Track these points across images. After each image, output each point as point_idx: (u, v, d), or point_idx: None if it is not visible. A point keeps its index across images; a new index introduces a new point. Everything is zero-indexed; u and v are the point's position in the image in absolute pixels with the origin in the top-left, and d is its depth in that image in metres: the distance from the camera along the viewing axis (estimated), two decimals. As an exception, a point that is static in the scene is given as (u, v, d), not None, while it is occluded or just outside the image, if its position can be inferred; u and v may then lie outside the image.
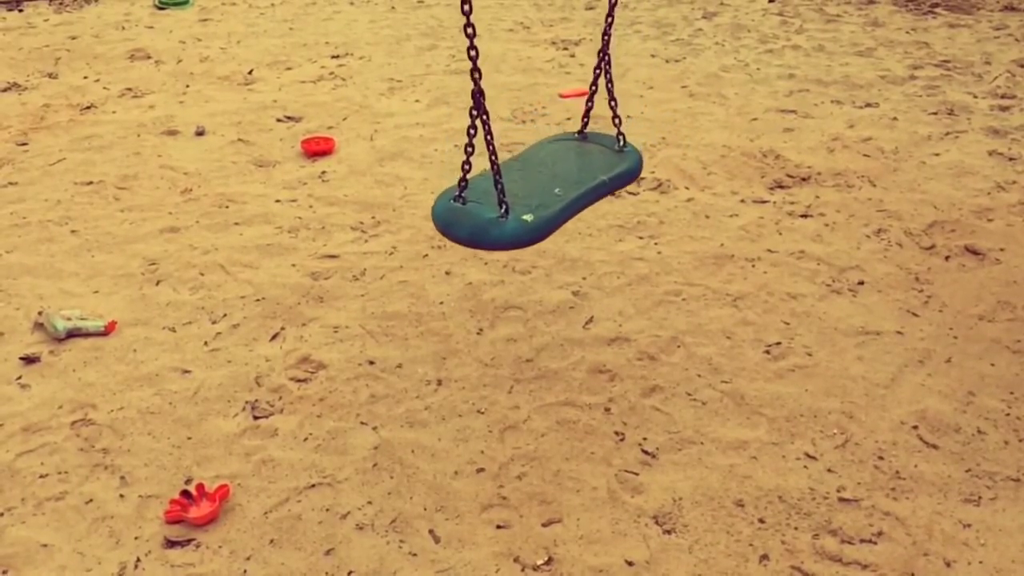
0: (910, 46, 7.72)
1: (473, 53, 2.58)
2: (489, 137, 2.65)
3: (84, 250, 4.54)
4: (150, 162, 5.54)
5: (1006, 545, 2.81)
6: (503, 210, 2.66)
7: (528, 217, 2.67)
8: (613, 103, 3.28)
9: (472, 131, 2.65)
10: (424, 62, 7.38)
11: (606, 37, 3.17)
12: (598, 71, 3.26)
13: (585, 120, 3.43)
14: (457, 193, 2.79)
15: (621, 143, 3.29)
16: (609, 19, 3.15)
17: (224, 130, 6.02)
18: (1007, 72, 7.03)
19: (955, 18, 8.66)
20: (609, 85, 3.29)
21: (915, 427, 3.30)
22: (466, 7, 2.50)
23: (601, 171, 3.08)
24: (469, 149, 2.71)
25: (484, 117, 2.59)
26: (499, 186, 2.64)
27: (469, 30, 2.54)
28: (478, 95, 2.61)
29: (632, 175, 3.21)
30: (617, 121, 3.27)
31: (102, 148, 5.74)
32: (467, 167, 2.74)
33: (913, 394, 3.47)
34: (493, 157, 2.63)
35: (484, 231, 2.64)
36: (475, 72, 2.60)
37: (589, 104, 3.34)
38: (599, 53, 3.23)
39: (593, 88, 3.31)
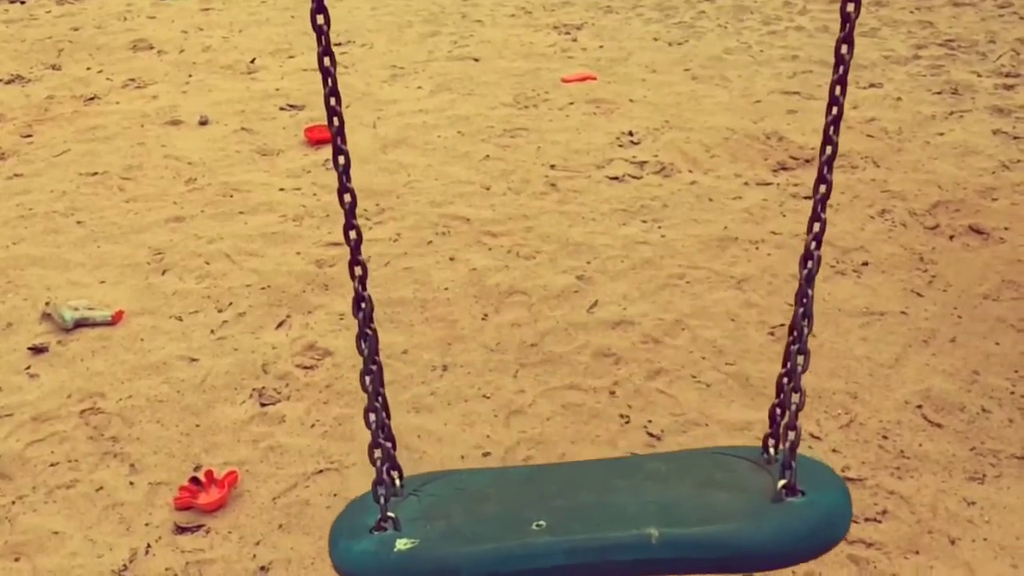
0: (914, 25, 7.68)
1: (353, 234, 1.78)
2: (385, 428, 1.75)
3: (90, 240, 4.56)
4: (154, 152, 5.55)
5: (1010, 522, 2.82)
6: (379, 517, 1.64)
7: (403, 543, 1.58)
8: (796, 396, 1.70)
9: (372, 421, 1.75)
10: (426, 48, 7.37)
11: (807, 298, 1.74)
12: (795, 350, 1.75)
13: (773, 427, 1.80)
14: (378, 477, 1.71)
15: (783, 482, 1.61)
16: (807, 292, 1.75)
17: (227, 119, 6.03)
18: (1011, 51, 7.00)
19: (959, -3, 8.60)
20: (800, 359, 1.73)
21: (919, 406, 3.31)
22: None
23: (672, 520, 1.57)
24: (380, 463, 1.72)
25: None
26: (381, 465, 1.70)
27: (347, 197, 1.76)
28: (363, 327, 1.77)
29: (747, 555, 1.52)
30: (792, 436, 1.65)
31: (106, 139, 5.75)
32: (377, 459, 1.72)
33: (917, 374, 3.48)
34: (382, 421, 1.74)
35: (335, 537, 1.68)
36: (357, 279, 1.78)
37: (780, 396, 1.80)
38: (798, 299, 1.75)
39: (786, 372, 1.77)
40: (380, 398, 1.76)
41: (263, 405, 3.40)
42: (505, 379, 3.51)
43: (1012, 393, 3.37)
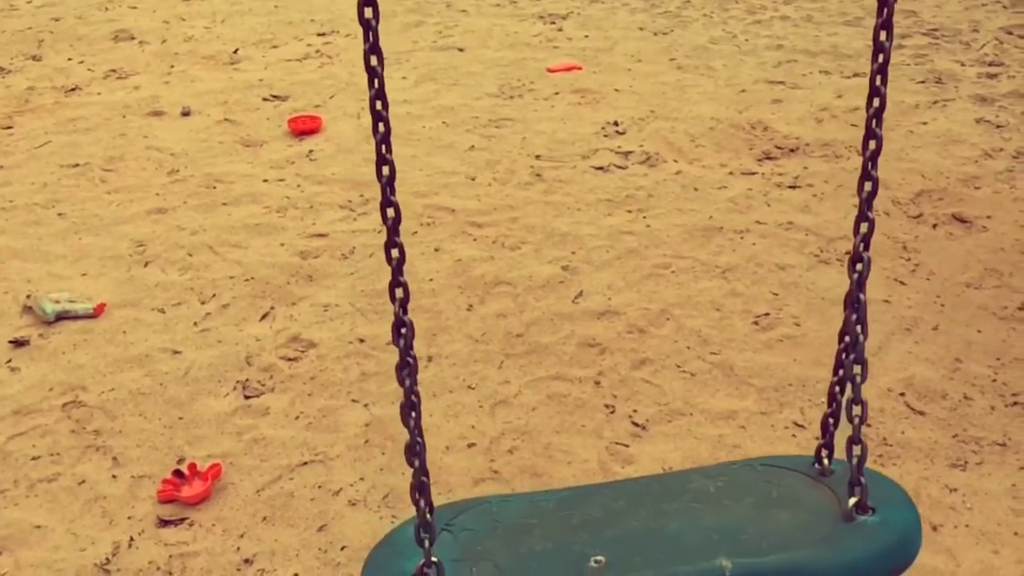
0: (898, 15, 7.69)
1: (396, 252, 1.58)
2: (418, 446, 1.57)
3: (71, 233, 4.52)
4: (136, 143, 5.51)
5: (992, 508, 2.84)
6: (422, 563, 1.53)
7: None
8: (859, 409, 1.61)
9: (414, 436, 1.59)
10: (411, 38, 7.34)
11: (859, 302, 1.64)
12: (846, 355, 1.69)
13: (825, 438, 1.73)
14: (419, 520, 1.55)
15: (854, 500, 1.58)
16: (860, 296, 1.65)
17: (210, 110, 5.99)
18: (995, 39, 7.02)
19: (943, -14, 8.62)
20: (858, 369, 1.64)
21: (902, 394, 3.33)
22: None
23: (742, 548, 1.52)
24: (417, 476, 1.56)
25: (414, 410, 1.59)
26: (420, 512, 1.52)
27: (390, 211, 1.58)
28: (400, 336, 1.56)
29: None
30: (858, 450, 1.59)
31: (87, 130, 5.70)
32: (420, 499, 1.54)
33: (900, 362, 3.49)
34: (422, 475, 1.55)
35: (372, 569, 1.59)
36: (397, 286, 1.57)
37: (832, 406, 1.74)
38: (846, 303, 1.66)
39: (837, 377, 1.73)
40: (420, 434, 1.57)
41: (247, 397, 3.39)
42: (490, 370, 3.50)
43: (994, 381, 3.39)
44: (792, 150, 5.25)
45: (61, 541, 2.79)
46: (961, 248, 4.25)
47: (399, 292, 1.54)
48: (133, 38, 7.51)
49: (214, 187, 4.97)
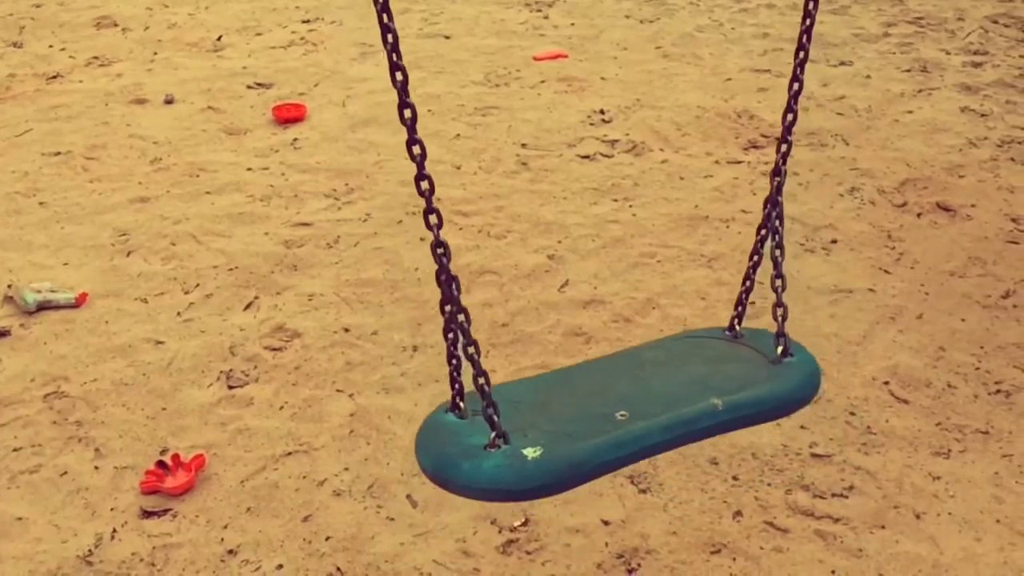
0: (884, 3, 7.69)
1: (425, 184, 1.78)
2: (471, 349, 1.78)
3: (53, 222, 4.48)
4: (119, 131, 5.46)
5: (975, 496, 2.86)
6: (494, 434, 1.78)
7: (531, 452, 1.75)
8: (780, 282, 2.10)
9: (450, 333, 1.85)
10: (396, 26, 7.29)
11: (777, 180, 2.14)
12: (764, 231, 2.15)
13: (738, 310, 2.23)
14: (451, 403, 1.92)
15: (781, 349, 2.09)
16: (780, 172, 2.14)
17: (193, 98, 5.94)
18: (980, 28, 7.04)
19: (929, -25, 8.63)
20: (778, 252, 2.13)
21: (886, 383, 3.34)
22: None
23: (720, 390, 1.94)
24: (452, 348, 1.87)
25: (461, 318, 1.79)
26: (486, 396, 1.76)
27: (416, 148, 1.77)
28: (441, 254, 1.74)
29: (778, 402, 2.00)
30: (781, 312, 2.09)
31: (69, 118, 5.64)
32: (455, 363, 1.88)
33: (885, 350, 3.50)
34: (472, 350, 1.78)
35: (452, 464, 1.79)
36: (431, 213, 1.76)
37: (747, 283, 2.22)
38: (766, 203, 2.13)
39: (752, 261, 2.19)
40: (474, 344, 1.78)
41: (231, 387, 3.36)
42: (475, 359, 3.49)
43: (977, 369, 3.40)
44: (778, 139, 5.24)
45: (43, 533, 2.77)
46: (945, 237, 4.26)
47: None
48: (116, 25, 7.43)
49: (197, 176, 4.93)
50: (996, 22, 7.17)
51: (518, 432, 1.79)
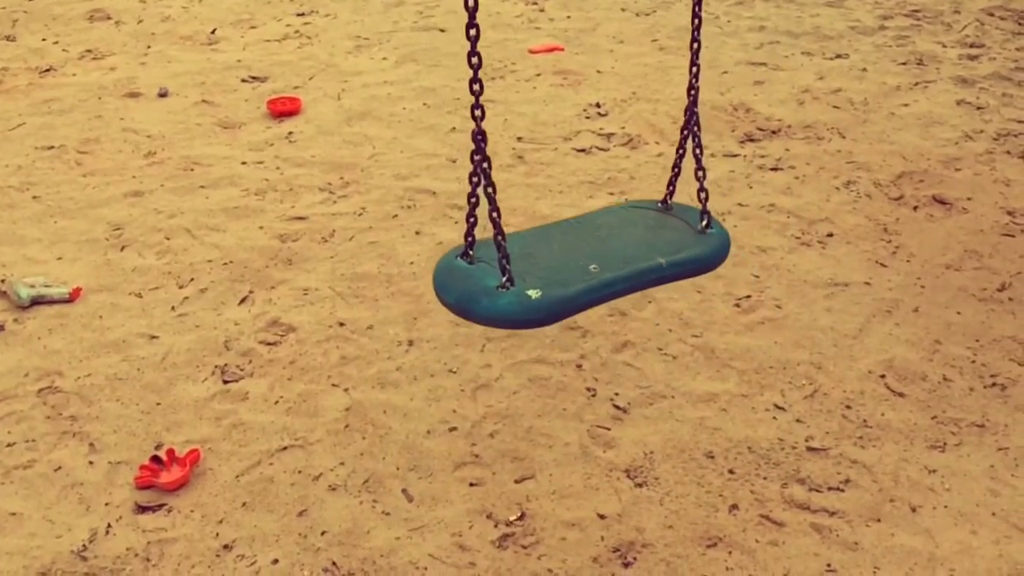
0: (880, -4, 7.68)
1: (476, 87, 2.26)
2: (491, 190, 2.26)
3: (47, 216, 4.46)
4: (112, 125, 5.43)
5: (970, 489, 2.86)
6: (505, 279, 2.22)
7: (534, 293, 2.21)
8: (701, 173, 2.63)
9: (475, 179, 2.28)
10: (391, 19, 7.26)
11: (693, 92, 2.63)
12: (685, 132, 2.67)
13: (670, 189, 2.76)
14: (463, 250, 2.38)
15: (704, 223, 2.62)
16: (694, 69, 2.65)
17: (187, 91, 5.91)
18: (976, 21, 7.03)
19: (925, -33, 8.62)
20: (697, 151, 2.66)
21: (882, 376, 3.34)
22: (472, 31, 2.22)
23: (663, 252, 2.46)
24: (473, 199, 2.32)
25: (486, 165, 2.25)
26: (502, 249, 2.22)
27: (474, 60, 2.24)
28: (479, 138, 2.24)
29: (704, 263, 2.54)
30: (703, 195, 2.63)
31: (63, 112, 5.61)
32: (472, 220, 2.34)
33: (881, 344, 3.50)
34: (495, 214, 2.25)
35: (474, 300, 2.25)
36: (476, 109, 2.26)
37: (676, 170, 2.73)
38: (687, 111, 2.65)
39: (680, 152, 2.74)
40: (491, 187, 2.24)
41: (226, 382, 3.35)
42: (471, 353, 3.48)
43: (973, 362, 3.40)
44: (774, 132, 5.24)
45: (37, 528, 2.76)
46: (941, 230, 4.26)
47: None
48: (109, 18, 7.39)
49: (192, 169, 4.91)
50: (992, 15, 7.17)
51: (519, 278, 2.24)
